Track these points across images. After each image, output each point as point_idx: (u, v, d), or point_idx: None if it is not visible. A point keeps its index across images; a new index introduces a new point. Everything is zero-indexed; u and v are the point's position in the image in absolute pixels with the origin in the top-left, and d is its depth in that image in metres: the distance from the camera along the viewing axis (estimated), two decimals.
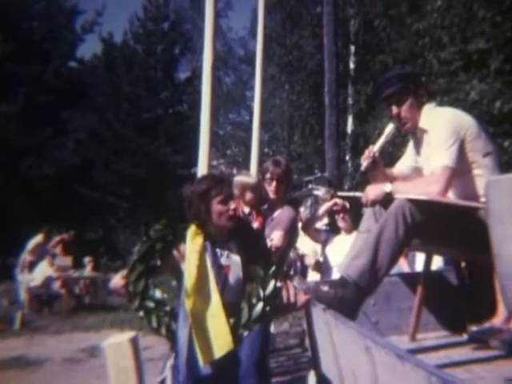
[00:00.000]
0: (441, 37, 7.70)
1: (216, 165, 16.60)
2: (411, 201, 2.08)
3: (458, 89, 6.99)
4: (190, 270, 2.12)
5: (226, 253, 2.25)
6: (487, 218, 1.71)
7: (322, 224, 4.11)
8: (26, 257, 8.63)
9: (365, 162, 2.46)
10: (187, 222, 2.24)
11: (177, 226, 2.25)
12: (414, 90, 2.36)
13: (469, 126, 2.24)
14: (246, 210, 3.07)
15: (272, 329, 4.22)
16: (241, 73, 20.05)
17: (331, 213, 3.69)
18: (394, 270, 2.75)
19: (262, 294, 2.16)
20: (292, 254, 5.83)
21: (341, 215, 3.69)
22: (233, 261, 2.24)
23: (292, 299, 2.20)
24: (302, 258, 5.99)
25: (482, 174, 2.19)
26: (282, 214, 3.06)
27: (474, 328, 2.16)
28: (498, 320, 2.05)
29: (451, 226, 2.09)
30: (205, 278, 2.12)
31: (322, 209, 3.75)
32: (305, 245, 4.40)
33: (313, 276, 4.40)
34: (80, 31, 17.94)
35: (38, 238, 8.80)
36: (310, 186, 9.70)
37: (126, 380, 2.11)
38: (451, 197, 2.26)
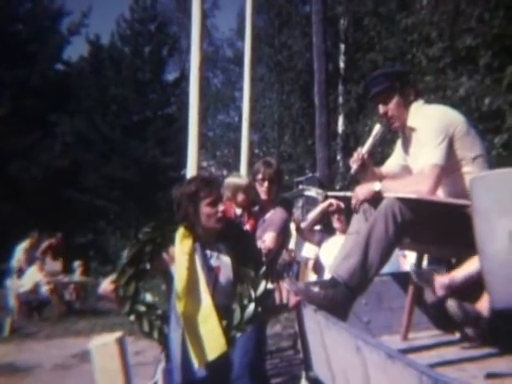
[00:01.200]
0: (429, 33, 7.72)
1: (206, 166, 16.54)
2: (400, 199, 2.07)
3: (446, 86, 7.00)
4: (180, 272, 2.10)
5: (215, 254, 2.23)
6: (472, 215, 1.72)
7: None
8: (14, 262, 8.53)
9: (354, 165, 2.45)
10: (176, 224, 2.22)
11: (166, 229, 2.24)
12: (400, 89, 2.36)
13: (458, 124, 2.24)
14: (238, 211, 3.06)
15: None
16: (229, 73, 19.99)
17: (326, 214, 3.67)
18: (392, 269, 2.75)
19: (253, 294, 2.15)
20: (287, 256, 5.81)
21: (336, 216, 3.68)
22: (223, 262, 2.22)
23: (284, 301, 2.20)
24: (294, 258, 5.97)
25: (472, 172, 2.18)
26: (274, 215, 3.04)
27: (414, 269, 2.25)
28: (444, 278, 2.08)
29: (441, 224, 2.08)
30: (195, 279, 2.10)
31: (317, 210, 3.72)
32: (309, 249, 4.35)
33: (312, 277, 4.36)
34: (66, 33, 17.78)
35: (26, 243, 8.70)
36: (300, 186, 9.67)
37: (113, 381, 2.08)
38: (440, 195, 2.26)
